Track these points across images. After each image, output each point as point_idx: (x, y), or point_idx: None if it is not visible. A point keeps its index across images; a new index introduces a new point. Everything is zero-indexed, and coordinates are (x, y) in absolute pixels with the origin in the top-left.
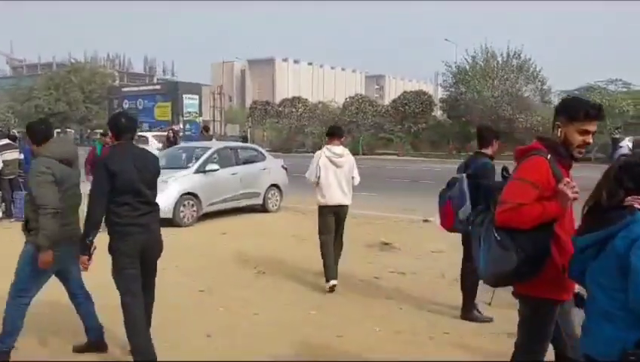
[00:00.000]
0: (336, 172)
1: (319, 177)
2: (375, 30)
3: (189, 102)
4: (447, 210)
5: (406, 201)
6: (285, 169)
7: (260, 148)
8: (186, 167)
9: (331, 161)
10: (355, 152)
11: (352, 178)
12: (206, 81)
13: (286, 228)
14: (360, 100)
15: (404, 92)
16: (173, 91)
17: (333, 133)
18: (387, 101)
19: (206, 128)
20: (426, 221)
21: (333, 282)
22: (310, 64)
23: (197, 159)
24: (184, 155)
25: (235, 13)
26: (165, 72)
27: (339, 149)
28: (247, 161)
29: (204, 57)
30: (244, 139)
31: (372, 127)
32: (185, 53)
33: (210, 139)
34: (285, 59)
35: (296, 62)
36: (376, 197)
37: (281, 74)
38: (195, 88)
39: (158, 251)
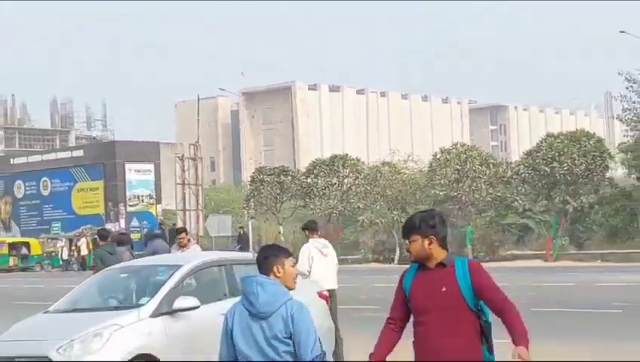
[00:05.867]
0: (325, 261)
1: (311, 267)
2: (475, 24)
3: (137, 177)
4: None
5: None
6: (327, 299)
7: None
8: (136, 306)
9: (321, 253)
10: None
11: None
12: (167, 137)
13: None
14: (463, 154)
15: (548, 135)
16: (106, 159)
17: (313, 228)
18: (515, 154)
19: (178, 229)
20: None
21: None
22: (361, 92)
23: (155, 289)
24: (131, 283)
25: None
26: (90, 124)
27: (323, 241)
28: None
29: (162, 93)
30: (242, 242)
31: (489, 206)
32: (126, 87)
33: (185, 247)
34: (314, 86)
35: (334, 89)
36: None
37: (307, 113)
38: (147, 152)
39: None
